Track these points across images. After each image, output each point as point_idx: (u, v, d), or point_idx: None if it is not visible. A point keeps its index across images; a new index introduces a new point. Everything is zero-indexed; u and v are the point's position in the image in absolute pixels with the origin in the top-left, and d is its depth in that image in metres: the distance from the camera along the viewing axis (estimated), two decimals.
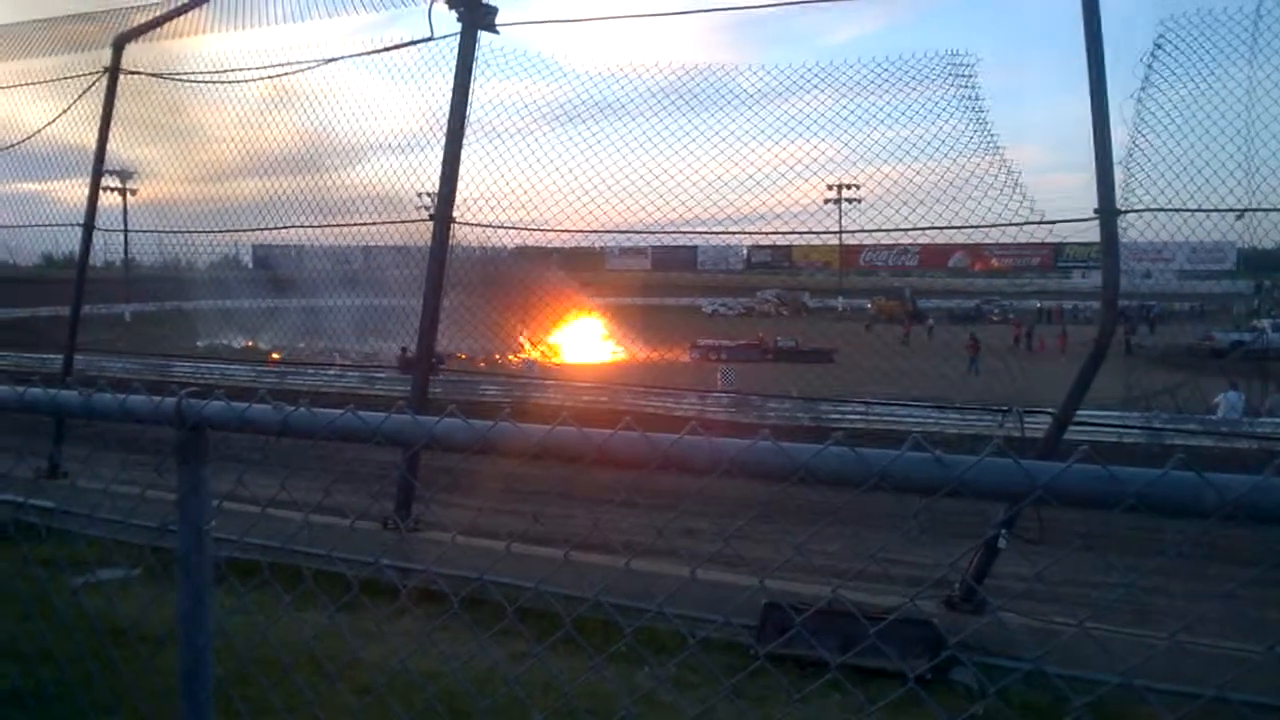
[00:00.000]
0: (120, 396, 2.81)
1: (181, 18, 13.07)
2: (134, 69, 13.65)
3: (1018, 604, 8.39)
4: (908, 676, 2.34)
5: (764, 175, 10.89)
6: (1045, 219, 9.14)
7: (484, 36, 10.72)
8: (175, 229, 14.86)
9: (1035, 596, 8.95)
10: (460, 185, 10.84)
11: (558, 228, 11.40)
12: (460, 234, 11.05)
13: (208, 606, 2.66)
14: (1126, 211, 8.43)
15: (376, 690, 2.90)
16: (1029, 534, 8.24)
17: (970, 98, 9.58)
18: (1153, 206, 8.48)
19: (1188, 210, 8.47)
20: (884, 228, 10.14)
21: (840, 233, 11.91)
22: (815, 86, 10.26)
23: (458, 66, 10.67)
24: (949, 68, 9.67)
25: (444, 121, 10.81)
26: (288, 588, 3.02)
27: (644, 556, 8.94)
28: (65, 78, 14.29)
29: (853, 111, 10.15)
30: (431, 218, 10.84)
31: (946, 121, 9.68)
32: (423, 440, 2.39)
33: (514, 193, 11.40)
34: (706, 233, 12.12)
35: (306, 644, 2.93)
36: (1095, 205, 8.39)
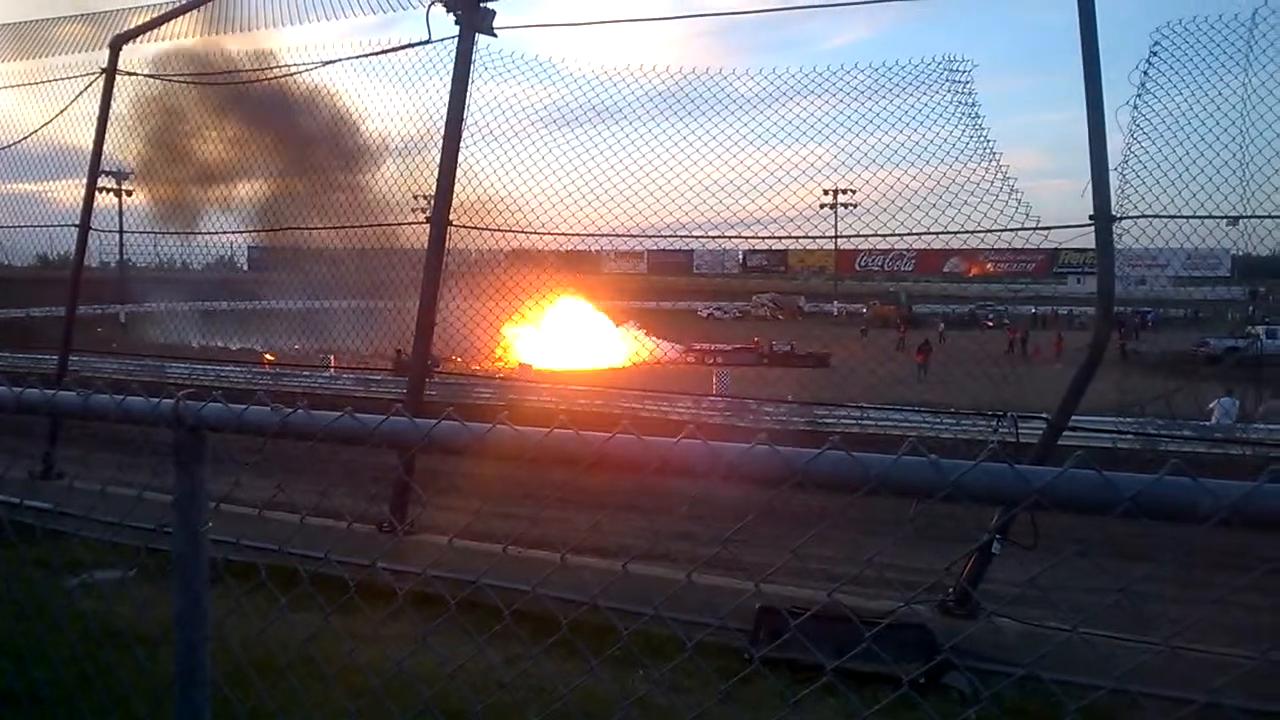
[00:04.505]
0: (118, 398, 2.81)
1: (178, 20, 13.06)
2: (131, 70, 13.64)
3: (1012, 609, 8.41)
4: (902, 681, 2.35)
5: (760, 180, 10.91)
6: (1041, 225, 9.16)
7: (481, 39, 10.72)
8: (171, 230, 14.87)
9: (1029, 601, 8.96)
10: (457, 188, 10.84)
11: (554, 231, 11.41)
12: (456, 237, 11.06)
13: (204, 608, 2.66)
14: (1122, 218, 8.46)
15: (372, 692, 2.90)
16: (1023, 539, 8.25)
17: (966, 103, 9.61)
18: (1148, 213, 8.52)
19: (1183, 217, 8.51)
20: (879, 232, 10.14)
21: (836, 237, 11.94)
22: (812, 92, 10.28)
23: (455, 69, 10.67)
24: (945, 74, 9.69)
25: (441, 124, 10.81)
26: (284, 589, 3.02)
27: (640, 560, 8.94)
28: (62, 79, 14.28)
29: (849, 117, 10.17)
30: (428, 220, 10.83)
31: (943, 127, 9.71)
32: (420, 443, 2.40)
33: (510, 196, 11.41)
34: (703, 236, 12.15)
35: (302, 646, 2.93)
36: (1091, 211, 8.41)
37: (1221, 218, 8.62)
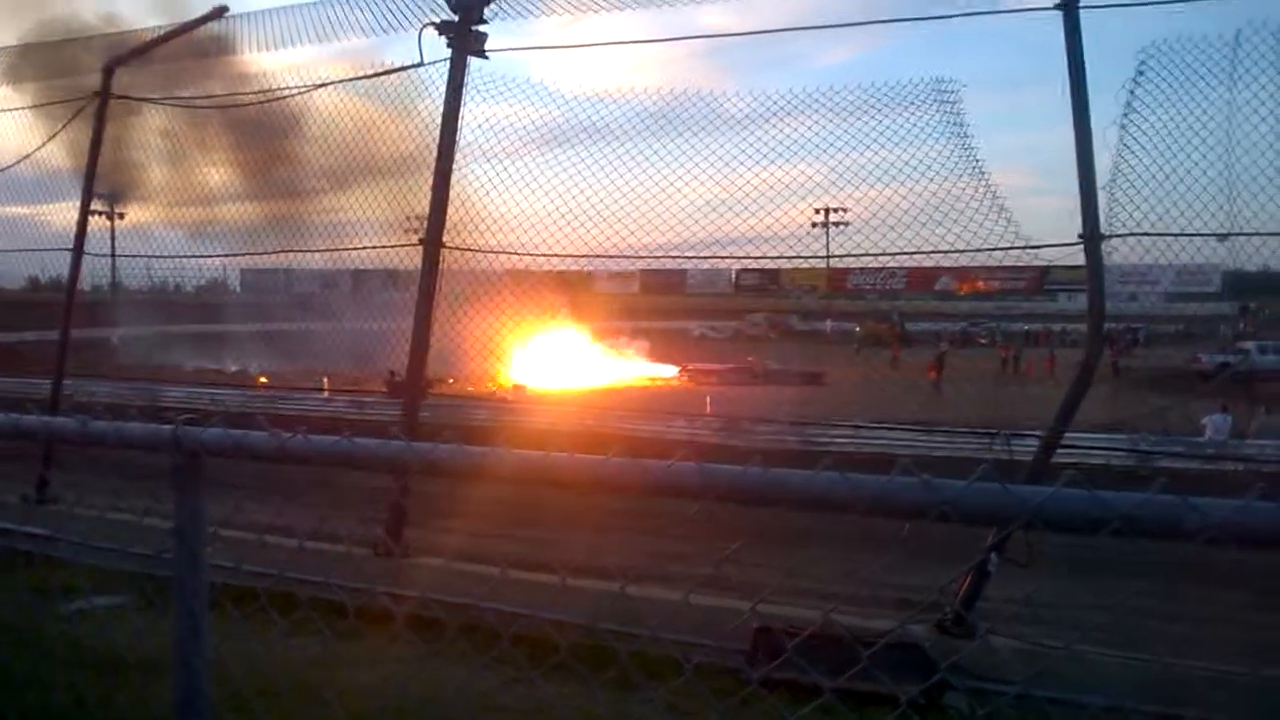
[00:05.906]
0: (116, 423, 2.82)
1: (172, 43, 13.10)
2: (124, 94, 13.65)
3: (1008, 627, 8.40)
4: (900, 701, 2.35)
5: (752, 199, 10.95)
6: (1031, 243, 9.22)
7: (474, 62, 10.78)
8: (163, 254, 14.87)
9: (1025, 620, 8.97)
10: (450, 209, 10.87)
11: (547, 252, 11.43)
12: (450, 258, 11.08)
13: (204, 632, 2.67)
14: (1111, 236, 8.51)
15: (371, 716, 2.91)
16: (1018, 557, 8.26)
17: (956, 123, 9.67)
18: (1137, 231, 8.57)
19: (1171, 234, 8.56)
20: (871, 251, 10.17)
21: (828, 256, 11.97)
22: (803, 111, 10.33)
23: (448, 92, 10.71)
24: (935, 93, 9.76)
25: (434, 146, 10.85)
26: (282, 613, 3.02)
27: (637, 581, 8.92)
28: (55, 102, 14.28)
29: (840, 136, 10.21)
30: (421, 242, 10.85)
31: (933, 146, 9.77)
32: (419, 466, 2.41)
33: (503, 216, 11.46)
34: (695, 257, 12.19)
35: (301, 670, 2.94)
36: (1080, 230, 8.46)
37: (1210, 235, 8.67)
